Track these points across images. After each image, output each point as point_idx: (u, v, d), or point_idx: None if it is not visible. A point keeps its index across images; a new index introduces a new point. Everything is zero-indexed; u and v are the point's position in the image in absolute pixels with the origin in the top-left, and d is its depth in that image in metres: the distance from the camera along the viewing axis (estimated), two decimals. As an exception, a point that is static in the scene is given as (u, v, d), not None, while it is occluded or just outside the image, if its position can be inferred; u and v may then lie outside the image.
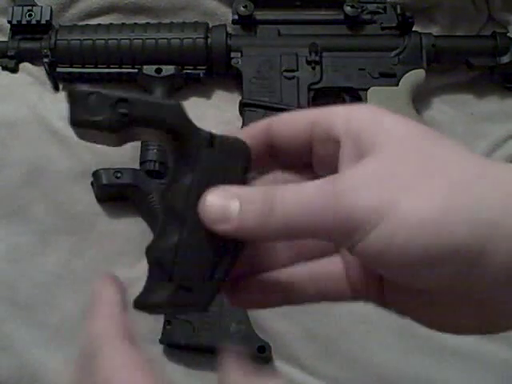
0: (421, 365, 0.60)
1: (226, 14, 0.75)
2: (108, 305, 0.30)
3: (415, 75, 0.71)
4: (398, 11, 0.73)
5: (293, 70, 0.70)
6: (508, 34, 0.75)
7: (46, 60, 0.70)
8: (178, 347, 0.60)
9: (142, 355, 0.29)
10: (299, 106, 0.69)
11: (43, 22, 0.71)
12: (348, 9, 0.72)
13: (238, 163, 0.31)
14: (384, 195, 0.27)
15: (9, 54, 0.72)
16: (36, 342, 0.60)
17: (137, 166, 0.67)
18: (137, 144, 0.68)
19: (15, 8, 0.72)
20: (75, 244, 0.64)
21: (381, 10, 0.73)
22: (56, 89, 0.73)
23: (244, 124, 0.68)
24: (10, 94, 0.71)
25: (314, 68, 0.70)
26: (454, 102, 0.75)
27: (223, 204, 0.29)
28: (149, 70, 0.70)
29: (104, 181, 0.64)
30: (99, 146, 0.74)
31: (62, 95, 0.72)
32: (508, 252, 0.26)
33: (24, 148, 0.68)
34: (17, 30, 0.72)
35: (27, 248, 0.64)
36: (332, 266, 0.33)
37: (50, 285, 0.63)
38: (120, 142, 0.31)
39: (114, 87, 0.72)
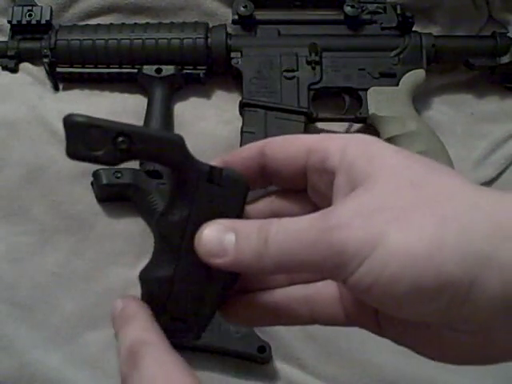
0: (421, 365, 0.60)
1: (226, 14, 0.75)
2: (139, 313, 0.31)
3: (415, 75, 0.71)
4: (398, 11, 0.73)
5: (293, 70, 0.70)
6: (508, 34, 0.75)
7: (45, 60, 0.70)
8: (178, 347, 0.60)
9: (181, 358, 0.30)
10: (299, 106, 0.69)
11: (43, 22, 0.71)
12: (348, 9, 0.72)
13: (235, 197, 0.31)
14: (374, 228, 0.27)
15: (9, 53, 0.72)
16: (36, 342, 0.60)
17: (137, 166, 0.66)
18: (137, 144, 0.68)
19: (15, 8, 0.72)
20: (75, 244, 0.64)
21: (381, 10, 0.73)
22: (56, 89, 0.73)
23: (244, 124, 0.68)
24: (10, 94, 0.71)
25: (314, 68, 0.70)
26: (454, 102, 0.75)
27: (219, 237, 0.29)
28: (149, 70, 0.70)
29: (104, 181, 0.64)
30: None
31: (62, 95, 0.72)
32: (501, 283, 0.26)
33: (24, 148, 0.68)
34: (17, 29, 0.72)
35: (27, 248, 0.64)
36: (328, 290, 0.34)
37: (50, 285, 0.63)
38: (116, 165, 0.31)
39: (113, 87, 0.72)
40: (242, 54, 0.71)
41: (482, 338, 0.28)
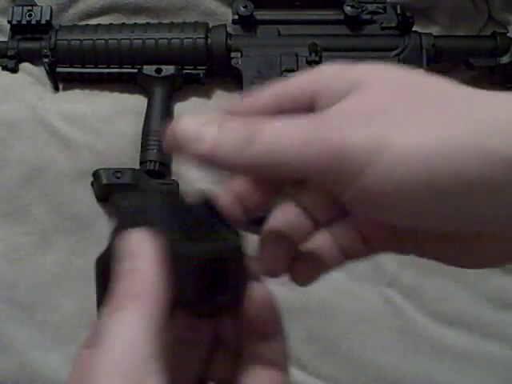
0: (421, 365, 0.60)
1: (226, 14, 0.75)
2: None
3: (415, 75, 0.71)
4: (398, 11, 0.73)
5: (293, 70, 0.70)
6: (508, 34, 0.75)
7: (46, 60, 0.70)
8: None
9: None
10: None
11: (43, 21, 0.71)
12: (348, 9, 0.72)
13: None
14: (377, 129, 0.25)
15: (9, 54, 0.72)
16: (36, 342, 0.60)
17: (137, 166, 0.67)
18: (137, 144, 0.68)
19: (15, 8, 0.72)
20: (75, 244, 0.64)
21: (381, 10, 0.73)
22: (56, 89, 0.73)
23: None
24: (10, 94, 0.71)
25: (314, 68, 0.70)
26: (454, 101, 0.75)
27: (199, 126, 0.27)
28: (149, 70, 0.70)
29: (104, 181, 0.64)
30: (99, 146, 0.75)
31: (62, 95, 0.72)
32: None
33: (24, 148, 0.68)
34: (17, 29, 0.72)
35: (27, 248, 0.64)
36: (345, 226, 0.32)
37: (50, 285, 0.63)
38: None
39: (113, 87, 0.72)
40: (242, 54, 0.71)
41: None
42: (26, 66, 0.73)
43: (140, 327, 0.26)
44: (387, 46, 0.72)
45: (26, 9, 0.72)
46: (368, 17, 0.73)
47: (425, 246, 0.30)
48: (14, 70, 0.73)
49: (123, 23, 0.73)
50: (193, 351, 0.32)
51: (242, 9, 0.72)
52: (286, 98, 0.30)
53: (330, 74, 0.29)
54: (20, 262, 0.64)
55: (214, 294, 0.28)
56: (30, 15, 0.71)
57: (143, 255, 0.27)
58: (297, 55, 0.71)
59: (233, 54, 0.71)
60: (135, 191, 0.29)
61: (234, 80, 0.73)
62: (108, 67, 0.71)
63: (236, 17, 0.72)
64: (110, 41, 0.71)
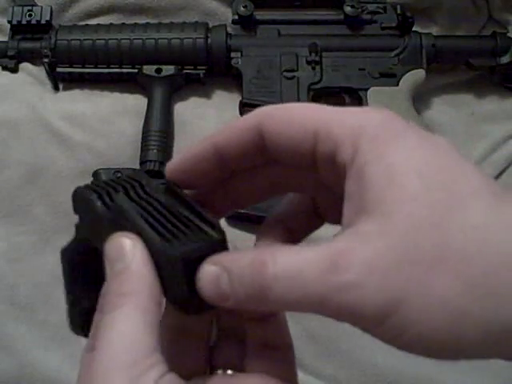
0: (421, 365, 0.60)
1: (226, 14, 0.75)
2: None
3: (415, 75, 0.71)
4: (398, 11, 0.73)
5: (293, 70, 0.70)
6: (508, 34, 0.75)
7: (46, 60, 0.70)
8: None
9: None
10: (299, 106, 0.69)
11: (43, 21, 0.71)
12: (348, 9, 0.72)
13: None
14: (393, 287, 0.24)
15: (9, 54, 0.72)
16: (36, 341, 0.60)
17: (137, 165, 0.66)
18: (137, 144, 0.68)
19: (15, 8, 0.72)
20: (75, 244, 0.64)
21: (381, 10, 0.73)
22: (56, 89, 0.73)
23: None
24: (10, 94, 0.71)
25: (314, 68, 0.70)
26: (454, 102, 0.75)
27: (216, 282, 0.27)
28: (149, 69, 0.70)
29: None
30: (99, 145, 0.74)
31: (62, 95, 0.72)
32: None
33: (24, 148, 0.68)
34: (17, 29, 0.72)
35: (27, 248, 0.64)
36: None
37: (50, 285, 0.63)
38: None
39: (113, 87, 0.72)
40: (242, 54, 0.71)
41: None
42: (26, 66, 0.73)
43: (137, 322, 0.26)
44: (387, 46, 0.72)
45: (26, 9, 0.72)
46: (368, 17, 0.73)
47: None
48: (14, 70, 0.73)
49: (123, 23, 0.73)
50: (193, 340, 0.32)
51: (242, 9, 0.72)
52: (226, 142, 0.30)
53: (370, 150, 0.26)
54: (20, 262, 0.64)
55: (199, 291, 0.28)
56: (30, 15, 0.71)
57: (134, 257, 0.28)
58: (297, 55, 0.71)
59: (233, 54, 0.71)
60: (97, 182, 0.30)
61: (233, 80, 0.73)
62: (108, 67, 0.71)
63: (236, 17, 0.72)
64: (109, 41, 0.71)
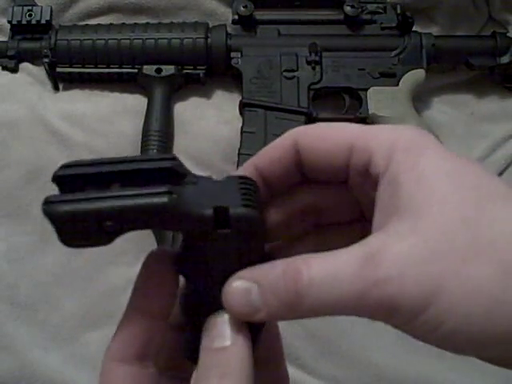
0: (421, 365, 0.60)
1: (226, 14, 0.75)
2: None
3: (415, 75, 0.71)
4: (398, 11, 0.73)
5: (293, 70, 0.70)
6: (508, 34, 0.75)
7: (46, 60, 0.70)
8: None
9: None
10: (299, 106, 0.69)
11: (43, 21, 0.71)
12: (348, 9, 0.72)
13: (250, 236, 0.28)
14: (428, 281, 0.25)
15: (9, 54, 0.72)
16: (36, 342, 0.60)
17: (137, 166, 0.66)
18: (137, 144, 0.68)
19: (15, 8, 0.72)
20: (75, 244, 0.64)
21: (381, 10, 0.73)
22: (56, 89, 0.73)
23: (244, 124, 0.68)
24: (10, 94, 0.71)
25: (314, 68, 0.70)
26: (454, 102, 0.75)
27: (246, 296, 0.27)
28: (149, 69, 0.70)
29: (104, 181, 0.64)
30: (99, 145, 0.74)
31: (62, 95, 0.73)
32: None
33: (24, 148, 0.68)
34: (17, 29, 0.72)
35: (27, 248, 0.64)
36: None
37: (50, 285, 0.63)
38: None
39: (113, 87, 0.72)
40: (241, 54, 0.71)
41: None
42: (26, 66, 0.73)
43: None
44: (387, 46, 0.72)
45: (26, 9, 0.72)
46: (368, 17, 0.73)
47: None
48: (14, 70, 0.73)
49: (123, 23, 0.73)
50: None
51: (242, 9, 0.72)
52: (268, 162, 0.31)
53: (404, 161, 0.28)
54: (20, 262, 0.64)
55: None
56: (30, 15, 0.71)
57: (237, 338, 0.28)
58: (297, 55, 0.71)
59: (233, 54, 0.71)
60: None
61: (234, 80, 0.73)
62: (108, 67, 0.71)
63: (236, 17, 0.72)
64: (109, 41, 0.71)
